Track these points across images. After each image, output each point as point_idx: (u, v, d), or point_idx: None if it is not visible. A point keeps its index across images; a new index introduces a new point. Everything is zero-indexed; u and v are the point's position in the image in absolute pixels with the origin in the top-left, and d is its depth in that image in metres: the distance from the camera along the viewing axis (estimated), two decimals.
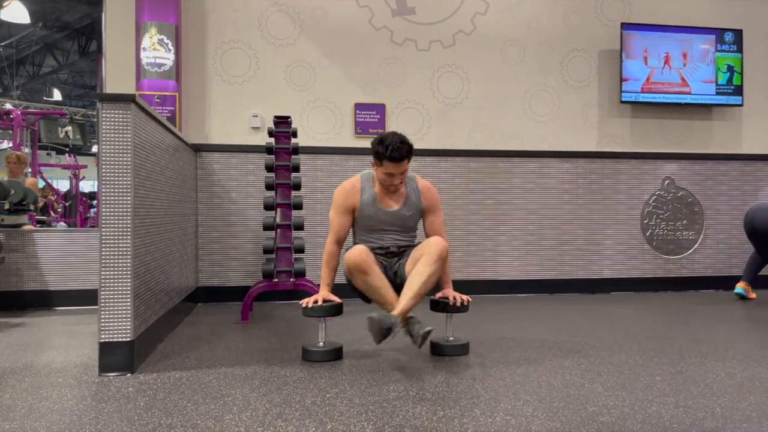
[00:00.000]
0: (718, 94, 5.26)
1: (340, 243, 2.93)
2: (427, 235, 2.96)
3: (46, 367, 2.63)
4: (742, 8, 5.42)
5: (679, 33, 5.20)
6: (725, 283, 5.13)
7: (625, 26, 5.10)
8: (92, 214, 10.28)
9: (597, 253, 5.07)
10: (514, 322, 3.74)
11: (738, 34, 5.27)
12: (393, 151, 2.71)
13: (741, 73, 5.27)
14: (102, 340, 2.49)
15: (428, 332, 2.55)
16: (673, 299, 4.74)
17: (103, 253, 2.50)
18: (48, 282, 4.31)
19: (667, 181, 5.21)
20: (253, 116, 4.70)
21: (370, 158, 2.86)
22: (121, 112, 2.52)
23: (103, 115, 2.50)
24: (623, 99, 5.11)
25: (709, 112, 5.38)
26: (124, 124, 2.53)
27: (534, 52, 5.12)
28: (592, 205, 5.07)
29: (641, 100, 5.15)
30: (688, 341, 3.15)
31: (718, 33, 5.26)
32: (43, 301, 4.28)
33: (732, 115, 5.42)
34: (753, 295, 4.66)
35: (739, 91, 5.27)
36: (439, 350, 2.85)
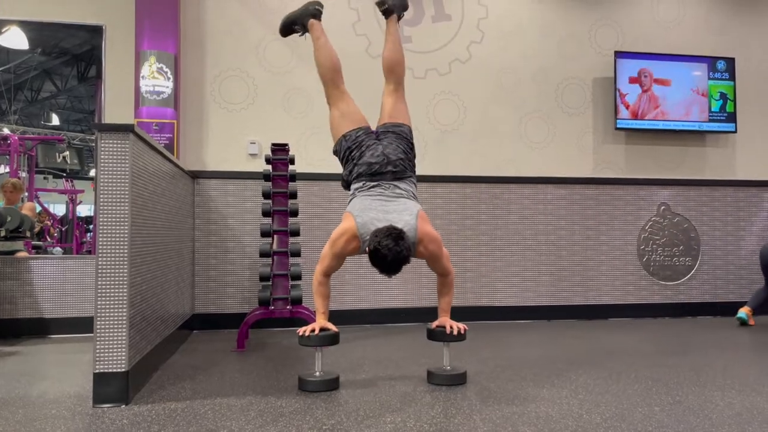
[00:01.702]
0: (711, 121, 5.31)
1: (329, 276, 2.87)
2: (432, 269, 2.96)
3: (40, 398, 2.60)
4: (735, 37, 5.50)
5: (673, 61, 5.27)
6: (723, 309, 5.13)
7: (619, 54, 5.16)
8: (88, 239, 10.24)
9: (594, 279, 5.07)
10: (512, 349, 3.72)
11: (730, 62, 5.35)
12: (384, 270, 2.63)
13: (734, 101, 5.33)
14: (97, 371, 2.47)
15: None
16: (671, 326, 4.73)
17: (99, 282, 2.50)
18: (43, 310, 4.28)
19: (662, 207, 5.23)
20: (251, 143, 4.72)
21: None
22: (119, 142, 2.53)
23: (102, 144, 2.52)
24: (618, 126, 5.16)
25: (703, 138, 5.43)
26: (122, 153, 2.54)
27: (529, 80, 5.17)
28: (588, 231, 5.08)
29: (636, 126, 5.20)
30: (686, 369, 3.13)
31: (711, 61, 5.33)
32: (38, 328, 4.25)
33: (726, 142, 5.47)
34: (752, 322, 4.65)
35: (732, 118, 5.33)
36: (436, 380, 2.83)
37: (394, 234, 2.57)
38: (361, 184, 2.91)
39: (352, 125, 3.00)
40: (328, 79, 3.05)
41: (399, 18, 3.21)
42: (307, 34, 3.16)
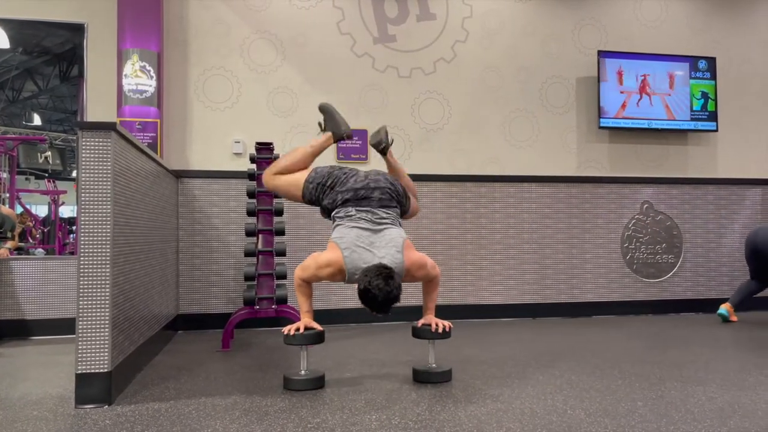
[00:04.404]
0: (693, 120, 5.37)
1: (310, 284, 2.87)
2: None
3: (22, 400, 2.57)
4: (716, 36, 5.57)
5: (655, 60, 5.32)
6: (705, 305, 5.20)
7: (602, 54, 5.20)
8: (71, 240, 10.13)
9: (578, 277, 5.10)
10: (497, 347, 3.74)
11: (711, 61, 5.41)
12: (375, 309, 2.61)
13: (715, 100, 5.39)
14: (79, 372, 2.44)
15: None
16: (654, 322, 4.77)
17: (81, 282, 2.47)
18: (24, 311, 4.23)
19: (645, 205, 5.28)
20: (235, 142, 4.70)
21: None
22: (101, 140, 2.51)
23: (83, 143, 2.49)
24: (601, 124, 5.19)
25: (685, 137, 5.48)
26: (104, 152, 2.51)
27: (513, 79, 5.20)
28: (572, 230, 5.12)
29: (619, 125, 5.24)
30: (668, 365, 3.17)
31: (693, 60, 5.39)
32: (19, 330, 4.20)
33: (707, 141, 5.53)
34: (734, 318, 4.71)
35: (713, 117, 5.39)
36: (421, 377, 2.84)
37: (385, 273, 2.56)
38: (344, 212, 2.83)
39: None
40: (295, 169, 3.00)
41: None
42: (322, 133, 3.11)
